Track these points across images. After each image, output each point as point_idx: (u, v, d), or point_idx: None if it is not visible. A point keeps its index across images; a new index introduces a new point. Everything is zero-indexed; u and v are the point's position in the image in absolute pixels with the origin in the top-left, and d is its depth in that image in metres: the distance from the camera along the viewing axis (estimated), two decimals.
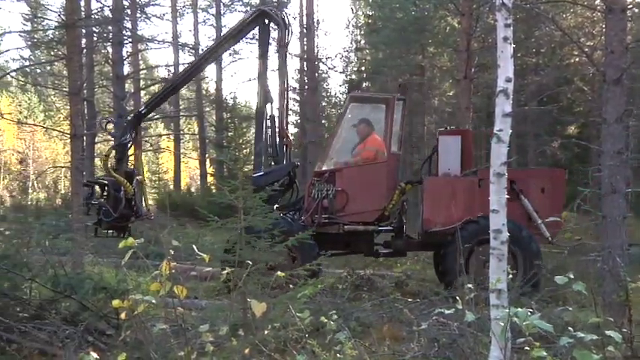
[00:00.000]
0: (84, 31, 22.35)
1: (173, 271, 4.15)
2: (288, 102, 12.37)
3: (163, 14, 30.88)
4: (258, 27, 12.17)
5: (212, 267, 8.80)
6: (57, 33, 25.08)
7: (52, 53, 26.88)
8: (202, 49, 30.76)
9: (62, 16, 22.18)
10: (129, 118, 13.42)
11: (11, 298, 6.64)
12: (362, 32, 39.81)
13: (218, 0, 31.46)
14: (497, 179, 4.45)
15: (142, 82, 28.70)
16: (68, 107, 12.07)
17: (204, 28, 54.43)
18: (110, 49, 26.65)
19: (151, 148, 37.14)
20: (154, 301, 4.12)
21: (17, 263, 7.02)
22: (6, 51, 59.57)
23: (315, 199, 10.88)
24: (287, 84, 12.08)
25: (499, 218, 4.43)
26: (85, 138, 21.70)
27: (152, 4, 29.10)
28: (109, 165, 12.58)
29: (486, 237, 4.58)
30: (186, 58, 33.00)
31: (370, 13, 35.70)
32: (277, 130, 11.84)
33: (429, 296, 8.91)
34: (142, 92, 29.62)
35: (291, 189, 11.93)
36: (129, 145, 12.70)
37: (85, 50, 22.30)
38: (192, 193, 35.46)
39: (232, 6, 31.98)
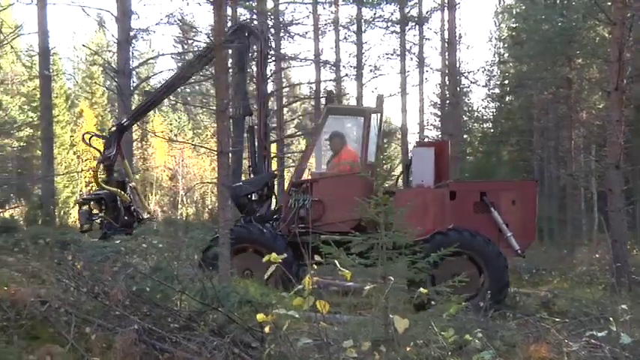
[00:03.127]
0: (230, 51, 23.15)
1: (316, 285, 4.19)
2: (267, 113, 12.47)
3: (306, 32, 31.38)
4: (238, 40, 12.45)
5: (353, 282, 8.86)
6: None
7: (201, 73, 27.90)
8: (343, 66, 31.25)
9: (210, 37, 23.15)
10: (112, 130, 13.86)
11: (163, 309, 6.92)
12: (505, 45, 39.10)
13: (359, 17, 31.66)
14: None
15: (284, 100, 29.30)
16: (215, 125, 12.54)
17: (346, 45, 54.98)
18: (255, 68, 27.38)
19: (293, 164, 37.86)
20: (297, 315, 4.17)
21: (168, 276, 7.33)
22: (159, 72, 62.79)
23: (292, 208, 10.89)
24: (266, 95, 12.17)
25: None
26: (230, 155, 22.40)
27: (295, 23, 29.75)
28: (100, 180, 13.18)
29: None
30: (327, 75, 33.40)
31: (514, 26, 34.98)
32: (256, 140, 12.05)
33: (579, 316, 8.56)
34: (285, 109, 30.25)
35: (269, 199, 12.03)
36: (114, 156, 13.26)
37: (230, 69, 23.04)
38: None
39: (373, 22, 32.11)
